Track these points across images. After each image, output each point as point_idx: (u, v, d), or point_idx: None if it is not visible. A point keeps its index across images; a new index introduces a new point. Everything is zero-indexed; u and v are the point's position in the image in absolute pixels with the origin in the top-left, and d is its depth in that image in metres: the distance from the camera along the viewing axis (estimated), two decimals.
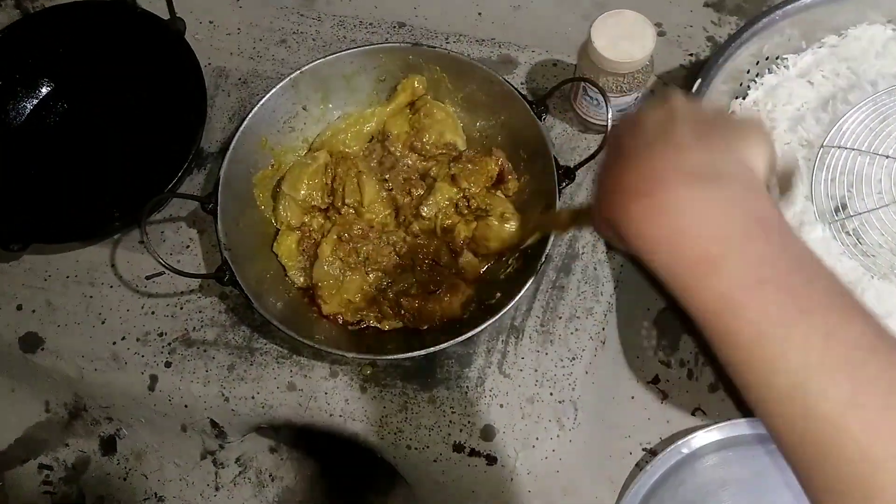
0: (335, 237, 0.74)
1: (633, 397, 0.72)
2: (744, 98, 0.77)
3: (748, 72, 0.77)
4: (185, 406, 0.75)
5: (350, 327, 0.73)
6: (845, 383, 0.29)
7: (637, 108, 0.56)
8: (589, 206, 0.42)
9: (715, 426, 0.68)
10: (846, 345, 0.30)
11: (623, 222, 0.36)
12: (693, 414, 0.72)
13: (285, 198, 0.76)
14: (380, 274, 0.74)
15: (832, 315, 0.31)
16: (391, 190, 0.76)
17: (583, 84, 0.74)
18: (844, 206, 0.69)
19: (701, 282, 0.33)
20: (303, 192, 0.75)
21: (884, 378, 0.29)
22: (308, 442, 0.85)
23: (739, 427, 0.68)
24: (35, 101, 0.86)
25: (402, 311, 0.72)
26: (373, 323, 0.72)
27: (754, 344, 0.31)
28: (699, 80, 0.72)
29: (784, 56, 0.77)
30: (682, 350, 0.74)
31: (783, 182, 0.42)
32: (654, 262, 0.35)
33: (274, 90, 0.74)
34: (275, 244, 0.75)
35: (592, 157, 0.70)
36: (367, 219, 0.75)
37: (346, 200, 0.75)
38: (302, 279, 0.75)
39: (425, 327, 0.71)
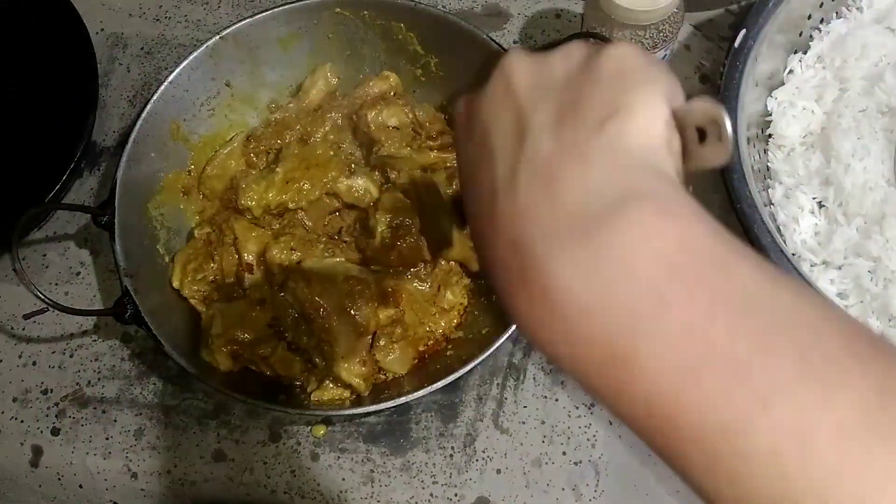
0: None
1: None
2: (805, 52, 0.70)
3: (809, 17, 0.70)
4: (80, 486, 0.68)
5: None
6: None
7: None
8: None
9: None
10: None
11: (506, 304, 0.31)
12: None
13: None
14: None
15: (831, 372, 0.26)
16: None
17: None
18: None
19: (619, 388, 0.28)
20: (191, 289, 0.67)
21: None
22: None
23: None
24: None
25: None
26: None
27: (709, 437, 0.27)
28: (743, 31, 0.66)
29: None
30: None
31: (709, 143, 0.31)
32: (558, 363, 0.30)
33: (186, 62, 0.69)
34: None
35: None
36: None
37: (227, 279, 0.67)
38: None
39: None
